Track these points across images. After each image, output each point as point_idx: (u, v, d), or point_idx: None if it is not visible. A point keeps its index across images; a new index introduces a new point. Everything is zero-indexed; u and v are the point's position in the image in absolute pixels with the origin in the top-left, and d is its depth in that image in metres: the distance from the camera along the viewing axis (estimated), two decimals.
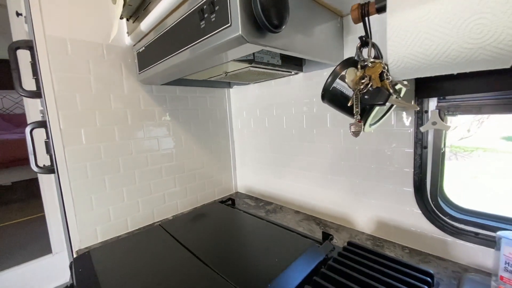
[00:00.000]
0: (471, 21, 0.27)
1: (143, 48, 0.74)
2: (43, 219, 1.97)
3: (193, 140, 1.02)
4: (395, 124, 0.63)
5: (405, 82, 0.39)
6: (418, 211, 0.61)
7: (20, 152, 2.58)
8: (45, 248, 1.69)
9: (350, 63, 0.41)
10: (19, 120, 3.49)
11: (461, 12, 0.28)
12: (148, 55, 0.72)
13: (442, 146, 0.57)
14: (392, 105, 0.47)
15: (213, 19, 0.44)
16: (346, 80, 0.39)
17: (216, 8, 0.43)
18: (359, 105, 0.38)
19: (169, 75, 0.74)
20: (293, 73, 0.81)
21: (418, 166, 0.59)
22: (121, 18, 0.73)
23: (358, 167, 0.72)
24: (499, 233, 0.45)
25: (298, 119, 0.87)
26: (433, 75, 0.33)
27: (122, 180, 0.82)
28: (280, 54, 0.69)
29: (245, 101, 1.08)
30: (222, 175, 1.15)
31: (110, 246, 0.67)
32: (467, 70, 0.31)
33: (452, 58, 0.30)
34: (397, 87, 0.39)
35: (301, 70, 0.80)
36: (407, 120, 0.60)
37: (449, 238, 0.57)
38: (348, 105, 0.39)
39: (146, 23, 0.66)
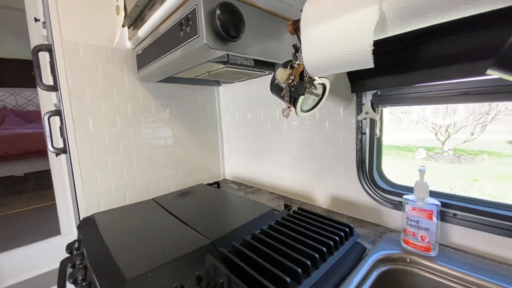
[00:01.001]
0: (345, 36, 0.41)
1: (141, 51, 0.89)
2: (52, 207, 2.15)
3: (185, 131, 1.17)
4: (342, 115, 0.76)
5: (323, 79, 0.52)
6: (359, 186, 0.74)
7: (32, 145, 2.78)
8: (54, 231, 1.86)
9: (287, 64, 0.55)
10: (31, 116, 3.71)
11: (340, 31, 0.41)
12: (144, 57, 0.87)
13: (377, 132, 0.70)
14: (322, 97, 0.60)
15: (188, 30, 0.59)
16: (277, 78, 0.53)
17: (190, 22, 0.58)
18: (288, 95, 0.52)
19: (162, 73, 0.89)
20: (266, 73, 0.95)
21: (359, 149, 0.73)
22: (123, 26, 0.89)
23: (317, 153, 0.85)
24: (404, 197, 0.58)
25: (272, 113, 1.00)
26: (332, 73, 0.47)
27: (122, 161, 0.97)
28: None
29: (231, 98, 1.23)
30: (211, 163, 1.29)
31: (110, 212, 0.82)
32: (352, 69, 0.44)
33: (339, 61, 0.43)
34: (317, 82, 0.53)
35: (274, 71, 0.94)
36: (351, 111, 0.74)
37: (381, 207, 0.70)
38: (281, 95, 0.53)
39: (143, 31, 0.81)
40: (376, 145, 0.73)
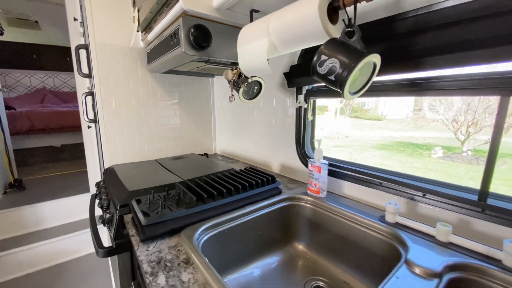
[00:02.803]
0: (254, 53, 0.68)
1: (150, 50, 1.20)
2: (83, 173, 2.61)
3: (184, 112, 1.49)
4: (288, 104, 1.03)
5: (258, 78, 0.80)
6: (296, 156, 1.02)
7: (68, 121, 3.28)
8: (85, 190, 2.31)
9: (234, 67, 0.83)
10: (66, 97, 4.26)
11: (252, 50, 0.69)
12: (152, 54, 1.19)
13: (309, 116, 0.97)
14: (260, 89, 0.88)
15: (175, 41, 0.89)
16: (224, 75, 0.82)
17: (176, 36, 0.87)
18: (233, 87, 0.80)
19: (164, 67, 1.19)
20: None
21: (297, 129, 1.00)
22: (137, 31, 1.20)
23: (273, 132, 1.14)
24: (309, 159, 0.85)
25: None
26: (257, 74, 0.74)
27: (135, 132, 1.32)
28: None
29: (221, 87, 1.52)
30: (205, 140, 1.61)
31: (124, 164, 1.17)
32: (261, 74, 0.72)
33: (254, 68, 0.71)
34: (251, 80, 0.81)
35: None
36: (293, 101, 1.00)
37: (308, 171, 0.98)
38: (229, 86, 0.82)
39: (150, 36, 1.11)
40: (310, 126, 1.00)
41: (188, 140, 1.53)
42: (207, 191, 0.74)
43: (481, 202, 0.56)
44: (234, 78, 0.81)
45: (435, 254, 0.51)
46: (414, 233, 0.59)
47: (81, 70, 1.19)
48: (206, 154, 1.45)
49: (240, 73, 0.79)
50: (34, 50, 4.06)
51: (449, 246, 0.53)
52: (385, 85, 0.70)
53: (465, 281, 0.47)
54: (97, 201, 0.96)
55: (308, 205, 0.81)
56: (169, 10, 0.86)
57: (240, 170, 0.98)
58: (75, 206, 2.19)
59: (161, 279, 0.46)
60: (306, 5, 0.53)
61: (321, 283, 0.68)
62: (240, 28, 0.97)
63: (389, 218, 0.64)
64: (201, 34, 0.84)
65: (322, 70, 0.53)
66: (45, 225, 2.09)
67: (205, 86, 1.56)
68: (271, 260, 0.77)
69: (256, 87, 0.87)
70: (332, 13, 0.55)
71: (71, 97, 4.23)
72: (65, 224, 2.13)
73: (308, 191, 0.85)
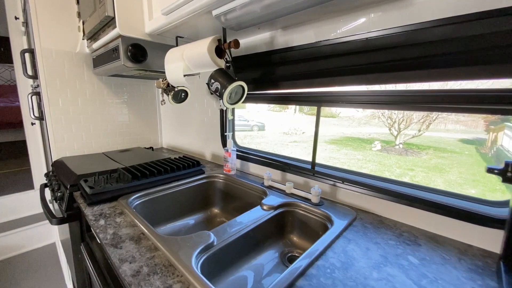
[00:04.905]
0: (174, 71, 0.95)
1: (95, 56, 1.37)
2: (25, 171, 2.55)
3: (130, 110, 1.67)
4: (215, 106, 1.33)
5: (183, 87, 1.09)
6: (221, 147, 1.33)
7: (4, 117, 3.08)
8: (28, 187, 2.29)
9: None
10: (1, 90, 3.90)
11: (173, 69, 0.96)
12: (98, 61, 1.36)
13: (229, 116, 1.28)
14: (186, 96, 1.16)
15: (116, 55, 1.10)
16: (155, 84, 1.08)
17: (116, 51, 1.09)
18: (163, 93, 1.07)
19: (109, 72, 1.38)
20: None
21: (221, 125, 1.30)
22: (83, 39, 1.36)
23: (206, 128, 1.42)
24: (224, 147, 1.16)
25: (187, 101, 1.55)
26: (180, 85, 1.02)
27: (82, 128, 1.47)
28: None
29: None
30: (151, 135, 1.82)
31: (73, 157, 1.33)
32: (182, 85, 1.00)
33: (177, 81, 0.98)
34: (178, 89, 1.09)
35: None
36: (220, 104, 1.30)
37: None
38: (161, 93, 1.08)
39: (96, 45, 1.29)
40: (232, 123, 1.31)
41: (135, 135, 1.72)
42: (141, 172, 0.99)
43: (312, 170, 0.93)
44: (163, 87, 1.07)
45: (279, 199, 0.86)
46: (275, 189, 0.94)
47: (26, 72, 1.31)
48: (151, 148, 1.67)
49: (169, 83, 1.05)
50: None
51: (291, 195, 0.89)
52: (267, 96, 1.04)
53: (288, 211, 0.83)
54: (47, 189, 1.13)
55: (221, 181, 1.12)
56: (110, 30, 1.08)
57: (175, 158, 1.25)
58: (18, 204, 2.18)
59: (101, 222, 0.72)
60: (202, 45, 0.83)
61: None
62: (172, 46, 1.23)
63: (266, 182, 0.98)
64: (138, 50, 1.08)
65: (212, 88, 0.83)
66: None
67: (150, 87, 1.77)
68: (192, 218, 1.06)
69: (183, 94, 1.14)
70: (221, 51, 0.85)
71: (7, 90, 3.89)
72: (8, 222, 2.11)
73: (224, 171, 1.16)
